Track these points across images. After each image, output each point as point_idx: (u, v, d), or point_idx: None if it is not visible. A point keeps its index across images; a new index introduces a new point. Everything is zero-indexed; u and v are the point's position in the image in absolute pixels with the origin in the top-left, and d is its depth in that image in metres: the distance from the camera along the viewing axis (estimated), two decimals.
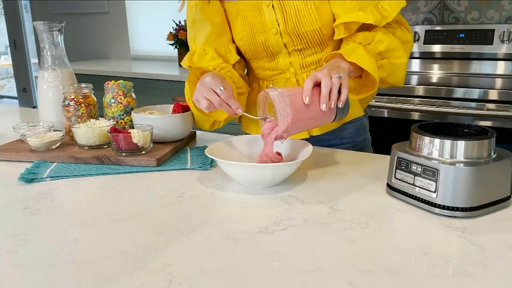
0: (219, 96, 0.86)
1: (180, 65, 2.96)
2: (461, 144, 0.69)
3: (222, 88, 0.86)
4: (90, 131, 1.01)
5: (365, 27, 0.97)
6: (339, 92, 0.81)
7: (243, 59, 1.13)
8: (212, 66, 1.04)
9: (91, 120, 1.10)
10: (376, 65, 0.93)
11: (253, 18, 1.01)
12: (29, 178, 0.89)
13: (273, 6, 0.99)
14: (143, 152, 0.99)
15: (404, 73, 0.99)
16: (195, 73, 1.00)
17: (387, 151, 0.86)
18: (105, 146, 1.04)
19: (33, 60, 4.66)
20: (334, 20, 0.98)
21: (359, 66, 0.89)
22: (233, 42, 1.08)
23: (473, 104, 1.85)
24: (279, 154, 0.87)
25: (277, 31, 1.00)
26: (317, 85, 0.82)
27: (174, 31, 2.92)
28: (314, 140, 1.11)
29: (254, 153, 0.93)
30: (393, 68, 0.97)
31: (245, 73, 1.16)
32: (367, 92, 0.96)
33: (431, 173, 0.70)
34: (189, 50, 1.11)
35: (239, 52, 1.10)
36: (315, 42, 1.01)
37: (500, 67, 2.12)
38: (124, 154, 0.97)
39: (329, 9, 0.98)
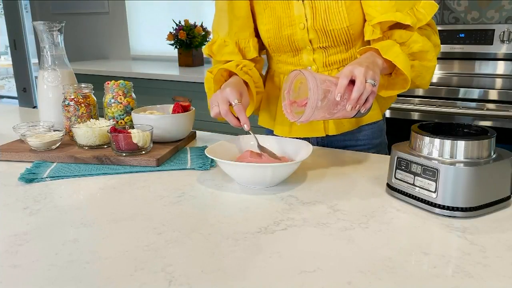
0: (232, 106, 0.90)
1: (180, 65, 2.95)
2: (461, 144, 0.69)
3: (236, 101, 0.90)
4: (90, 131, 1.01)
5: (399, 27, 0.96)
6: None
7: (259, 57, 1.13)
8: (234, 62, 1.04)
9: (91, 120, 1.10)
10: (409, 65, 0.92)
11: (281, 11, 1.02)
12: (29, 178, 0.89)
13: (303, 1, 0.99)
14: (143, 152, 0.99)
15: (432, 76, 0.99)
16: (220, 72, 1.03)
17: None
18: (105, 146, 1.04)
19: (33, 60, 4.66)
20: (364, 20, 0.98)
21: (392, 64, 0.89)
22: (256, 36, 1.08)
23: (473, 104, 1.85)
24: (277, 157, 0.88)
25: (304, 26, 1.00)
26: (351, 80, 0.81)
27: (174, 31, 2.91)
28: (329, 140, 1.11)
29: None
30: (423, 70, 0.96)
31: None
32: (396, 90, 0.95)
33: (431, 173, 0.70)
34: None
35: (258, 48, 1.10)
36: (341, 41, 1.01)
37: (500, 67, 2.12)
38: (124, 154, 0.97)
39: (359, 9, 0.98)
